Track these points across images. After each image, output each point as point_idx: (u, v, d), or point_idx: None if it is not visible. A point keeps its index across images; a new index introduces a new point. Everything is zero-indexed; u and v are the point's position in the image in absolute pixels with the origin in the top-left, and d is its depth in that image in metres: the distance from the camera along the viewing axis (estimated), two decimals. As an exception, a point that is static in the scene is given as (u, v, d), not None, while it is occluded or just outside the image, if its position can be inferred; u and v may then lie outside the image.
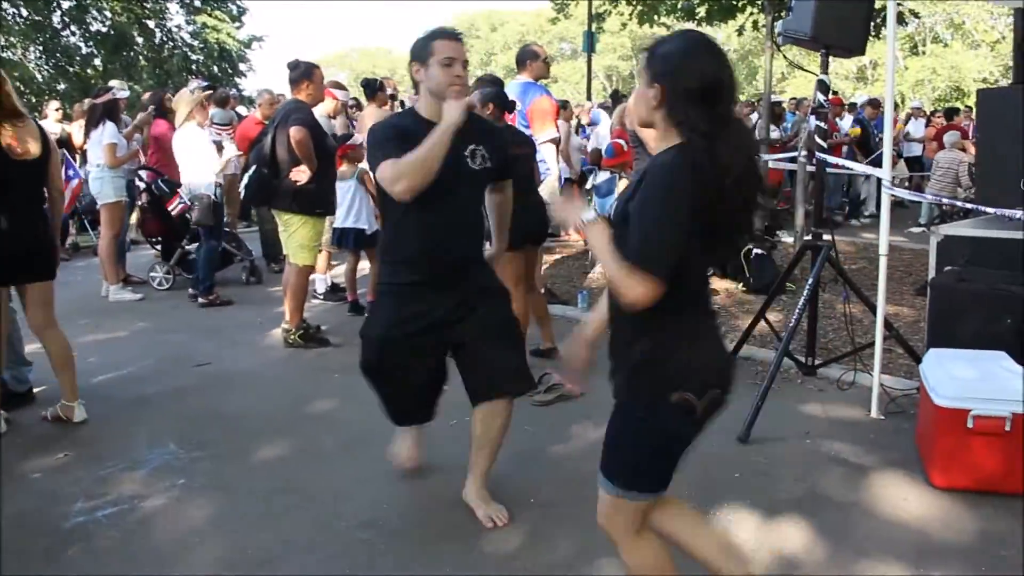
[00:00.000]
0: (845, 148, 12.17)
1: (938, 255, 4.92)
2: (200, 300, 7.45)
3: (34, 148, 4.27)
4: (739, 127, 2.16)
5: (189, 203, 7.62)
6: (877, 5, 5.23)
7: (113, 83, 8.14)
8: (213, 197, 7.49)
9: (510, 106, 5.53)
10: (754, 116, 13.34)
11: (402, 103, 9.53)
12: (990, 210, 4.60)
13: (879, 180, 4.94)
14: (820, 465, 3.96)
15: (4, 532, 3.37)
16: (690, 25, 16.06)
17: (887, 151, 4.57)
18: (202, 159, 7.49)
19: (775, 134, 12.08)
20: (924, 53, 39.95)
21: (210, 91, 8.95)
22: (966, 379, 3.68)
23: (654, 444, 2.29)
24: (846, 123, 13.35)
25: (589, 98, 18.85)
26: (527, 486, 3.76)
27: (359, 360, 3.55)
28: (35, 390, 4.94)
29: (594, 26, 20.08)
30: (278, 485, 3.80)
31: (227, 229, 8.73)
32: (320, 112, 6.19)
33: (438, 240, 3.34)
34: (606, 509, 2.42)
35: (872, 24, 5.92)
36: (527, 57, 6.86)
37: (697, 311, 2.28)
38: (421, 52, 3.32)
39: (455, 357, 3.55)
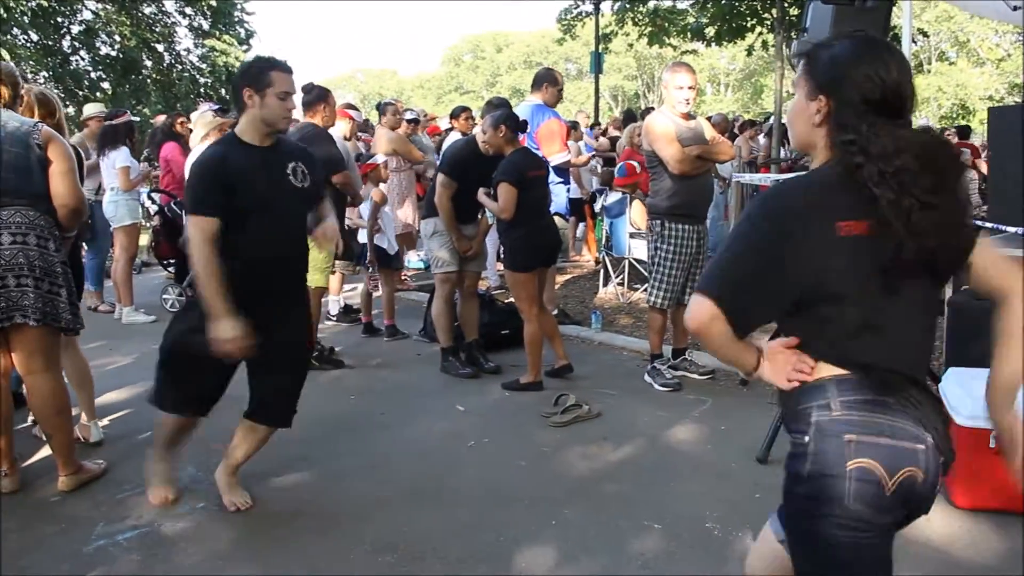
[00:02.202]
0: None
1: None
2: None
3: None
4: (937, 145, 1.76)
5: None
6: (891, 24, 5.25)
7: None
8: None
9: (522, 127, 5.57)
10: (761, 137, 13.39)
11: (417, 121, 9.57)
12: (1011, 229, 4.59)
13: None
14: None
15: (22, 557, 3.37)
16: (699, 45, 16.16)
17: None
18: None
19: (783, 153, 12.11)
20: (930, 71, 40.05)
21: (222, 113, 9.01)
22: (987, 398, 3.66)
23: None
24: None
25: (597, 118, 18.88)
26: (547, 507, 3.74)
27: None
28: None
29: (600, 47, 20.18)
30: (298, 508, 3.80)
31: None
32: (336, 134, 6.21)
33: (260, 253, 3.46)
34: None
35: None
36: (545, 80, 6.89)
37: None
38: (257, 80, 3.42)
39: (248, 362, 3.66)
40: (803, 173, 1.91)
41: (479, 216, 6.02)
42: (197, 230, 3.33)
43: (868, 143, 1.68)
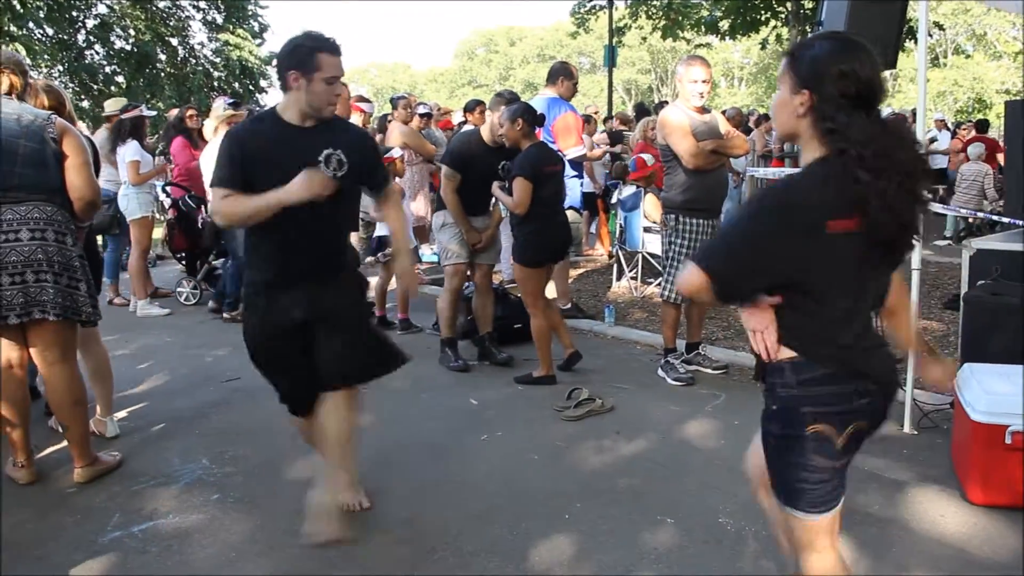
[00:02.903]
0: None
1: (970, 269, 4.87)
2: (224, 315, 7.50)
3: None
4: (896, 126, 2.02)
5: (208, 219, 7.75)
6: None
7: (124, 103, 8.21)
8: None
9: (539, 120, 5.55)
10: (774, 132, 13.32)
11: (428, 115, 9.55)
12: (1025, 223, 4.57)
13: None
14: (855, 480, 3.90)
15: (38, 547, 3.40)
16: (713, 39, 16.12)
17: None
18: None
19: (796, 147, 12.03)
20: (946, 65, 39.79)
21: (234, 106, 9.05)
22: (1003, 394, 3.64)
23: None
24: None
25: (610, 112, 18.83)
26: (561, 501, 3.74)
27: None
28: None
29: (614, 40, 20.11)
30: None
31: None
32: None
33: (293, 250, 3.31)
34: None
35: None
36: (561, 74, 6.88)
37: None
38: (304, 63, 3.20)
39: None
40: (801, 170, 2.10)
41: (491, 208, 6.02)
42: (215, 201, 3.31)
43: (848, 130, 1.94)
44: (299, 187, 3.09)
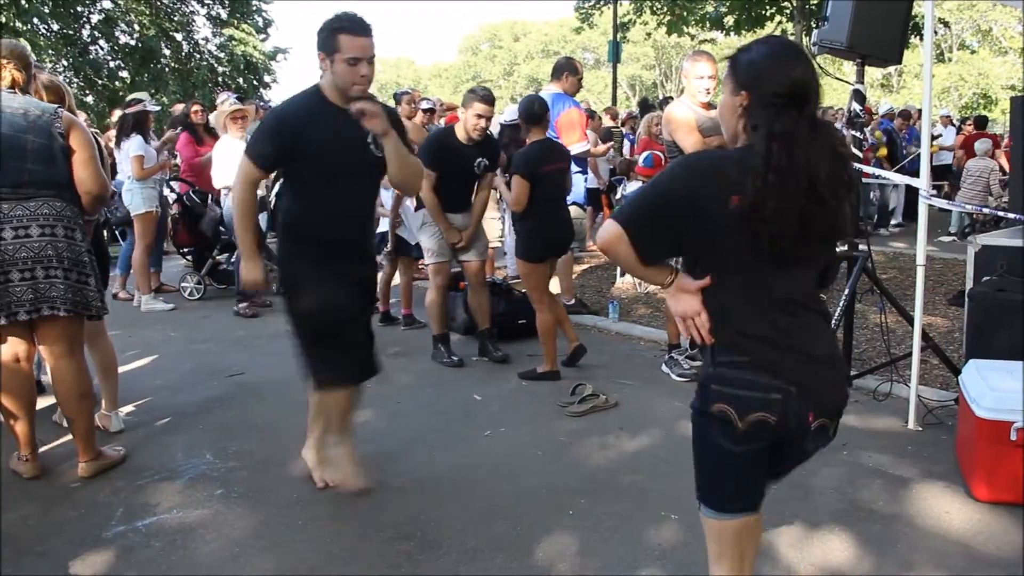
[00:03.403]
0: (872, 158, 12.08)
1: (975, 265, 4.86)
2: (234, 309, 7.55)
3: None
4: (826, 130, 2.11)
5: (220, 216, 7.78)
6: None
7: (141, 95, 8.22)
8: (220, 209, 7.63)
9: (538, 117, 5.52)
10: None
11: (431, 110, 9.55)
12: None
13: (907, 189, 4.92)
14: (859, 477, 3.93)
15: (42, 542, 3.40)
16: (717, 34, 16.11)
17: (924, 160, 4.54)
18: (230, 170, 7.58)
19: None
20: (951, 60, 39.67)
21: (240, 102, 9.06)
22: (1008, 391, 3.63)
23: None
24: (868, 132, 13.24)
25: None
26: (564, 497, 3.74)
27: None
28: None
29: (618, 35, 20.07)
30: (315, 496, 3.81)
31: (257, 240, 8.80)
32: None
33: (334, 223, 3.52)
34: None
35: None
36: (566, 69, 6.87)
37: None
38: (326, 44, 3.31)
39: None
40: (721, 148, 2.25)
41: (471, 204, 5.99)
42: (240, 170, 3.46)
43: (767, 126, 2.02)
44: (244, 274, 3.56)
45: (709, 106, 5.30)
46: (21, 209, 3.67)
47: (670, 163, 2.27)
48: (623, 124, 13.23)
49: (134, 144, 7.61)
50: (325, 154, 3.39)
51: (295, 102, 3.53)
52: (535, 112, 5.45)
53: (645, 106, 13.01)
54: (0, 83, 3.74)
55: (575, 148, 6.69)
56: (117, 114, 8.70)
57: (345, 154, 3.42)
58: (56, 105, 3.88)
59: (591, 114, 10.30)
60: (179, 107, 9.93)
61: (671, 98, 8.77)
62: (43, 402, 4.70)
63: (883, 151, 12.45)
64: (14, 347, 3.85)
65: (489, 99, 5.61)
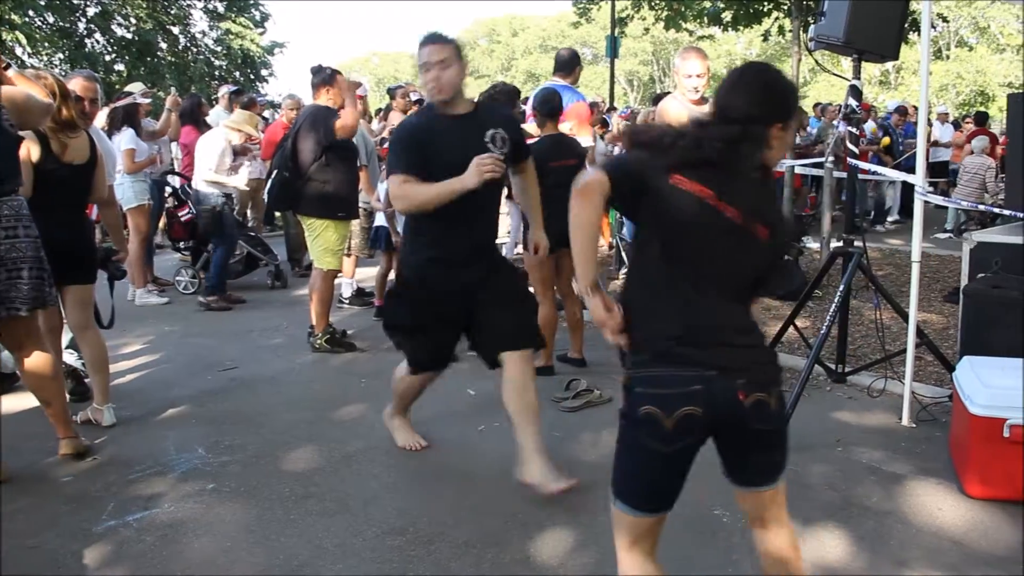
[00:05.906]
0: (871, 154, 12.08)
1: (971, 262, 4.85)
2: (200, 299, 7.60)
3: (81, 156, 4.32)
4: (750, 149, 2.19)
5: (195, 213, 7.74)
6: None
7: (134, 87, 8.18)
8: (216, 206, 7.57)
9: (554, 111, 5.51)
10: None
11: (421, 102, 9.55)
12: (1028, 216, 4.54)
13: (904, 186, 4.91)
14: (853, 473, 3.92)
15: (35, 535, 3.39)
16: (715, 30, 16.08)
17: (920, 157, 4.52)
18: (211, 165, 7.58)
19: (797, 139, 12.01)
20: (948, 57, 39.65)
21: (237, 94, 9.06)
22: (1002, 387, 3.62)
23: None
24: (867, 128, 13.24)
25: (612, 103, 18.79)
26: (557, 493, 3.73)
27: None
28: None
29: (616, 31, 20.02)
30: (308, 491, 3.80)
31: (252, 233, 8.79)
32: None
33: (460, 226, 3.67)
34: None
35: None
36: (577, 63, 6.79)
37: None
38: (418, 59, 3.63)
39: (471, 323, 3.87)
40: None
41: None
42: (393, 187, 3.63)
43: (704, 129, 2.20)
44: (472, 174, 3.43)
45: (702, 101, 5.29)
46: None
47: None
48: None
49: (125, 138, 7.56)
50: (444, 163, 3.55)
51: (409, 119, 3.96)
52: (556, 106, 5.43)
53: (657, 101, 12.98)
54: None
55: (583, 143, 6.65)
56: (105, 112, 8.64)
57: (465, 159, 3.52)
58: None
59: (593, 107, 10.28)
60: (184, 100, 9.80)
61: (669, 92, 8.75)
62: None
63: (886, 140, 12.44)
64: None
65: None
